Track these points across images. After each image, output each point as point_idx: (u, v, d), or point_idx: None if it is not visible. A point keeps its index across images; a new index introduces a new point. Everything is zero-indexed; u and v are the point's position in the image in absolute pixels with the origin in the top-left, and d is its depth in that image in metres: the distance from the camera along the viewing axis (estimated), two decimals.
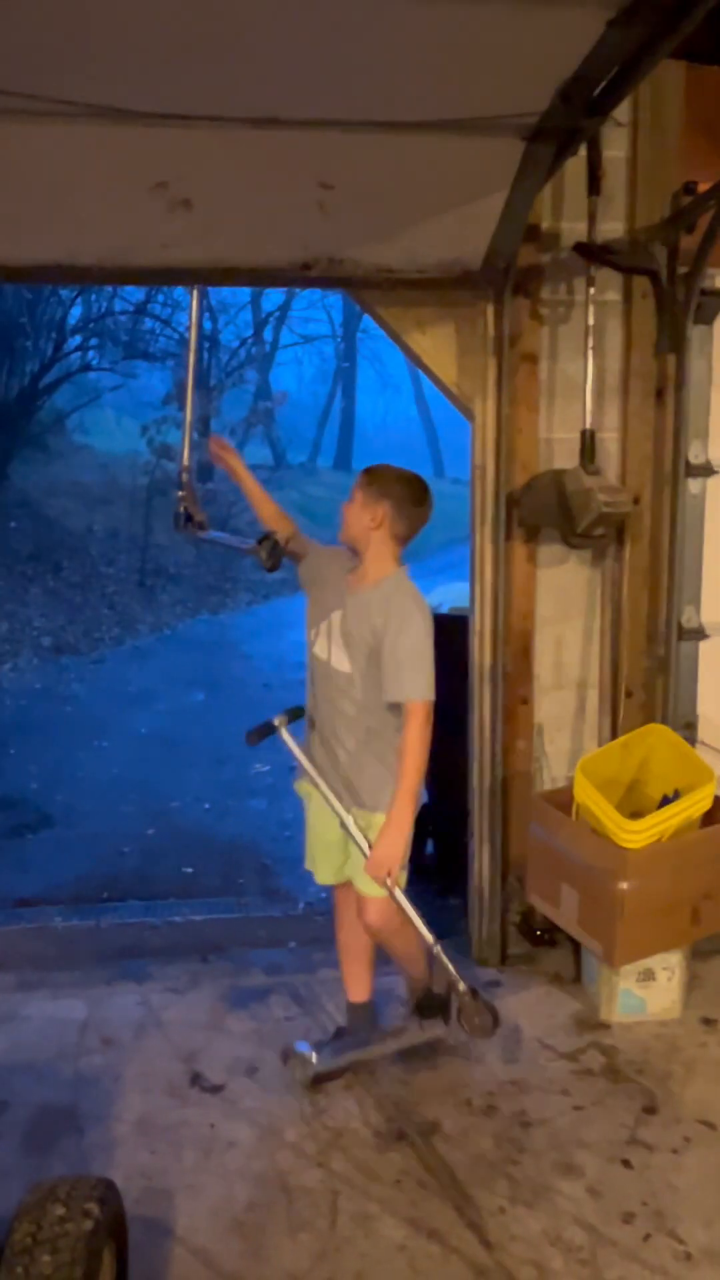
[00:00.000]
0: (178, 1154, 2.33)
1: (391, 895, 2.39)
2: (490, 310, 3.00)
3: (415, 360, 3.13)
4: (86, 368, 13.02)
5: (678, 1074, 2.63)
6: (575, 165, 2.84)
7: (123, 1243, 1.83)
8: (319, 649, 2.51)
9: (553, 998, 3.01)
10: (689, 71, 2.93)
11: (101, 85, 1.91)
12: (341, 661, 2.44)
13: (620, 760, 2.86)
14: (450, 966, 2.40)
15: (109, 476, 13.17)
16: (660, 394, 3.10)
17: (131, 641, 8.95)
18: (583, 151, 2.76)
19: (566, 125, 2.17)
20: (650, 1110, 2.48)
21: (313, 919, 3.62)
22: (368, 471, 2.48)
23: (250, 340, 15.06)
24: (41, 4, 1.63)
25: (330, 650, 2.47)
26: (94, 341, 12.32)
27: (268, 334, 16.75)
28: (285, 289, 14.80)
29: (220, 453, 2.86)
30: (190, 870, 4.19)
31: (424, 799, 4.19)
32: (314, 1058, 2.56)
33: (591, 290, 2.91)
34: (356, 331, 20.11)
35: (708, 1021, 2.88)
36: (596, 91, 2.02)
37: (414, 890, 3.97)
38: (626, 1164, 2.28)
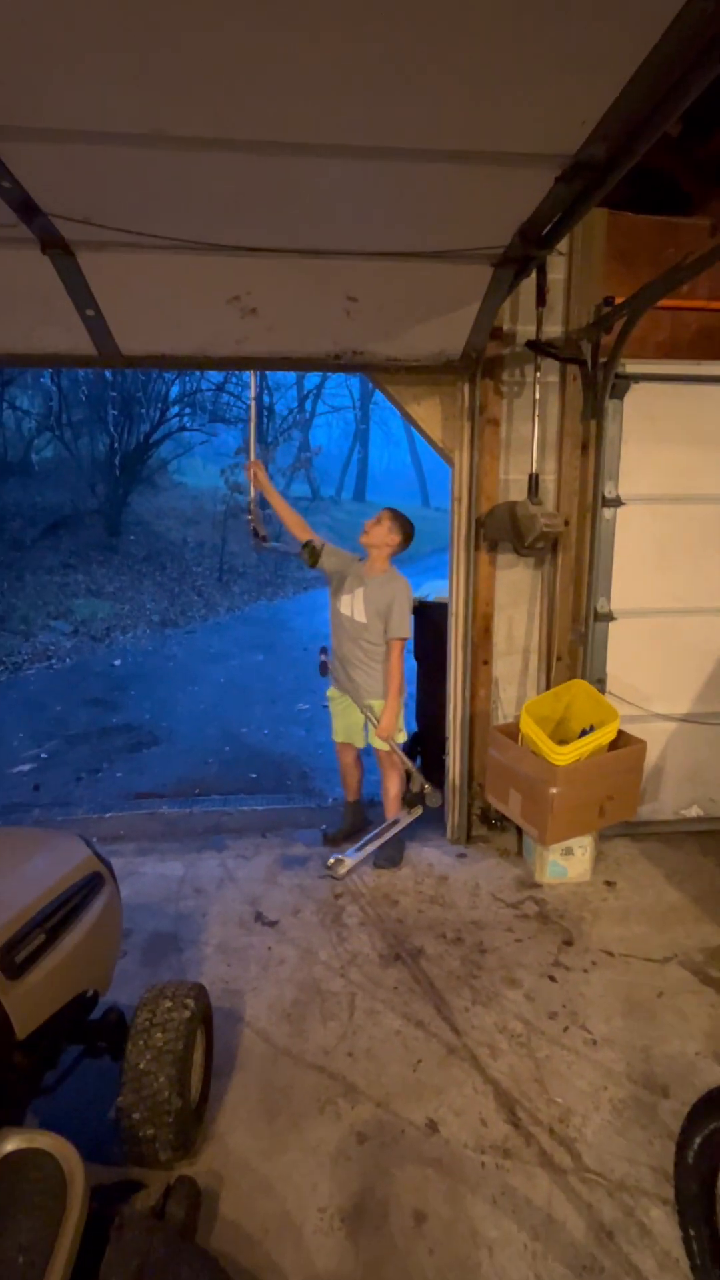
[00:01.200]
0: (245, 967, 2.36)
1: (393, 748, 2.96)
2: (466, 388, 2.93)
3: (412, 423, 3.07)
4: (183, 428, 12.88)
5: (587, 918, 2.63)
6: (527, 285, 2.75)
7: (210, 1026, 1.86)
8: (345, 609, 2.96)
9: (502, 866, 3.02)
10: (610, 216, 2.83)
11: (194, 225, 1.86)
12: (362, 616, 2.91)
13: (552, 704, 2.84)
14: (419, 775, 3.05)
15: (198, 505, 13.06)
16: (585, 448, 3.03)
17: (213, 619, 8.92)
18: (533, 275, 2.69)
19: (523, 255, 2.09)
20: (568, 943, 2.48)
21: (337, 809, 3.63)
22: (395, 514, 2.98)
23: (295, 410, 14.84)
24: (151, 168, 1.59)
25: (354, 610, 2.93)
26: (188, 410, 12.17)
27: (308, 405, 16.51)
28: (320, 373, 14.65)
29: (255, 471, 3.15)
30: (254, 775, 4.21)
31: (414, 729, 4.21)
32: (346, 859, 2.85)
33: (537, 374, 2.85)
34: (369, 404, 19.82)
35: (609, 884, 2.88)
36: (545, 230, 1.95)
37: (407, 794, 4.02)
38: (552, 979, 2.29)
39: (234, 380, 12.16)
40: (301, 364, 2.73)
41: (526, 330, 2.88)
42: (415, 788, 3.06)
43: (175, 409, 11.37)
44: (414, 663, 4.09)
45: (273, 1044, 2.03)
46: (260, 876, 2.95)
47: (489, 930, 2.56)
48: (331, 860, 2.87)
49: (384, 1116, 1.79)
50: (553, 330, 2.90)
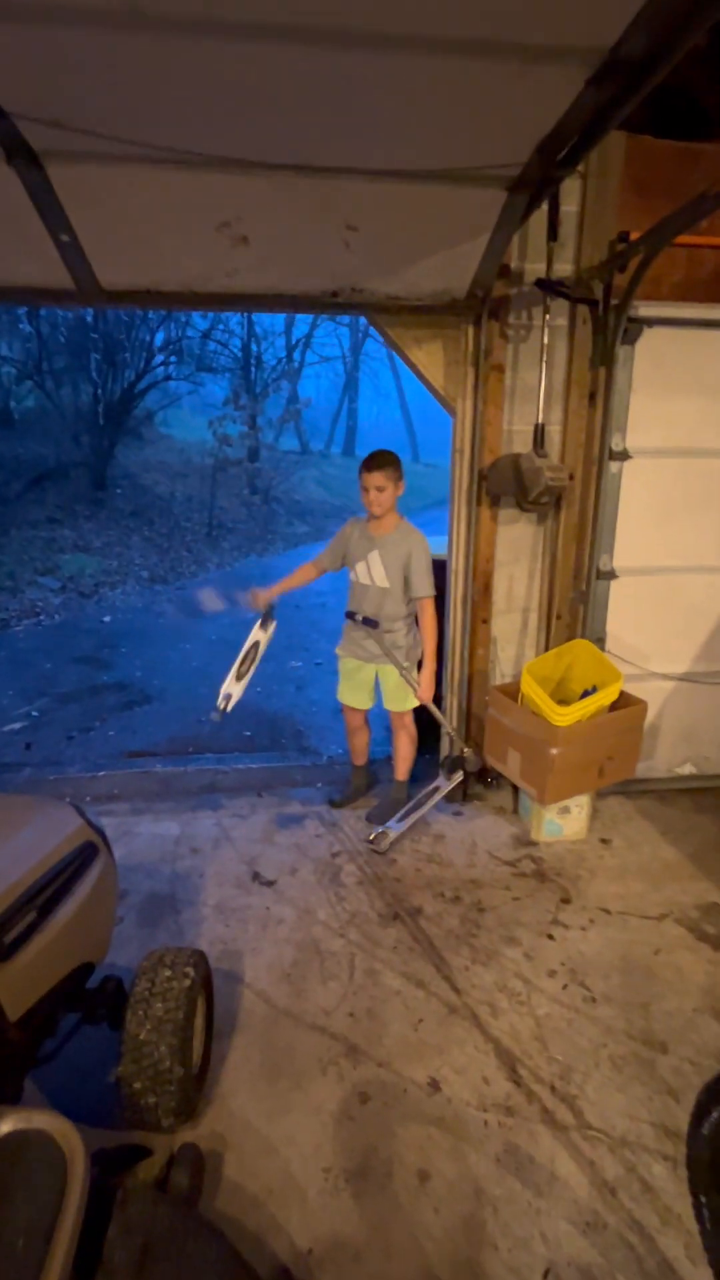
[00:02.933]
0: (244, 927, 2.32)
1: (433, 712, 2.83)
2: (470, 331, 2.73)
3: (414, 369, 2.88)
4: (168, 378, 12.34)
5: (584, 876, 2.61)
6: (538, 218, 2.55)
7: (210, 991, 1.81)
8: (364, 579, 2.76)
9: (498, 824, 2.99)
10: (629, 140, 2.59)
11: (177, 131, 1.64)
12: (384, 581, 2.71)
13: (554, 664, 2.76)
14: (459, 739, 2.94)
15: (185, 458, 12.63)
16: (593, 397, 2.86)
17: (203, 575, 8.71)
18: (545, 207, 2.48)
19: (540, 177, 1.89)
20: (566, 901, 2.46)
21: (333, 767, 3.58)
22: (392, 462, 2.61)
23: (284, 360, 14.25)
24: (127, 58, 1.37)
25: (373, 576, 2.72)
26: (173, 359, 11.63)
27: (297, 355, 15.86)
28: (312, 316, 14.02)
29: (260, 601, 2.85)
30: (249, 733, 4.13)
31: None
32: (390, 831, 2.74)
33: (547, 316, 2.65)
34: (360, 355, 19.12)
35: (604, 841, 2.86)
36: (566, 149, 1.75)
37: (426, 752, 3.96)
38: (550, 937, 2.28)
39: (220, 325, 11.60)
40: (297, 303, 2.52)
41: (535, 269, 2.67)
42: (456, 751, 2.95)
43: (160, 357, 10.83)
44: None
45: (273, 1005, 1.99)
46: (257, 836, 2.89)
47: (487, 889, 2.53)
48: (374, 835, 2.74)
49: (386, 1076, 1.77)
50: (564, 269, 2.70)
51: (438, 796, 2.90)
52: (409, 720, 2.96)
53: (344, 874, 2.64)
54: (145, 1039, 1.49)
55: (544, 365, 2.71)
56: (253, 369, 12.77)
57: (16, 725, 4.19)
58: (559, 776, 2.52)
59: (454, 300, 2.56)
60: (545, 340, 2.67)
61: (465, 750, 2.93)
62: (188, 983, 1.59)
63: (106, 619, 6.62)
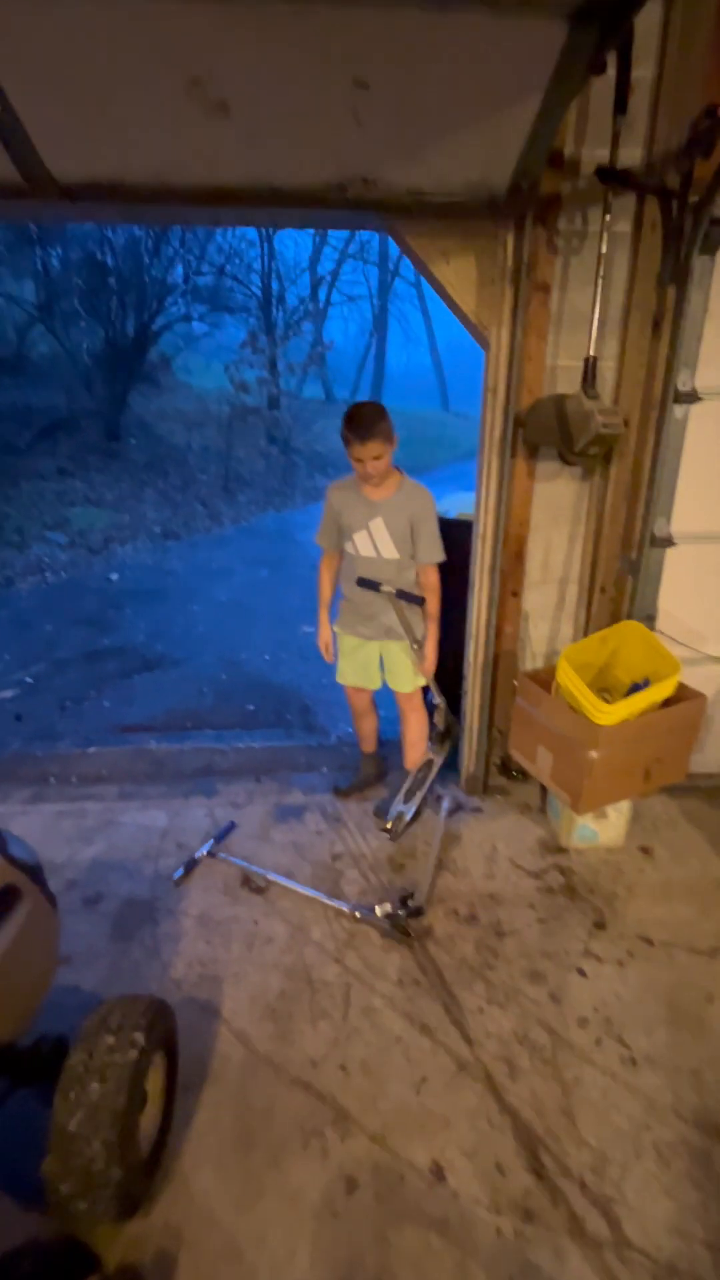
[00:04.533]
0: (228, 946, 2.02)
1: (430, 683, 2.45)
2: (510, 240, 2.21)
3: (439, 289, 2.37)
4: (185, 318, 11.66)
5: (621, 895, 2.25)
6: (599, 89, 2.02)
7: (173, 1047, 1.50)
8: (365, 550, 2.35)
9: (522, 825, 2.63)
10: None
11: None
12: (392, 551, 2.33)
13: (597, 649, 2.33)
14: (445, 710, 2.50)
15: (203, 406, 12.04)
16: (657, 325, 2.33)
17: (217, 530, 8.30)
18: (609, 73, 1.93)
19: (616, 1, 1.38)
20: (600, 926, 2.11)
21: (341, 749, 3.25)
22: (383, 424, 2.15)
23: (307, 299, 13.38)
24: None
25: (377, 547, 2.33)
26: (188, 298, 10.92)
27: (321, 295, 14.91)
28: (332, 242, 13.04)
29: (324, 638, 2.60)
30: (251, 707, 3.81)
31: None
32: (405, 814, 2.36)
33: (606, 219, 2.12)
34: (388, 296, 17.99)
35: (645, 850, 2.48)
36: None
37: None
38: (581, 973, 1.93)
39: (236, 259, 10.80)
40: (295, 200, 2.03)
41: (596, 157, 2.12)
42: (441, 723, 2.55)
43: (174, 296, 10.15)
44: None
45: (253, 1050, 1.70)
46: (252, 831, 2.58)
47: (507, 907, 2.19)
48: (389, 823, 2.34)
49: (380, 1155, 1.46)
50: (632, 155, 2.14)
51: (433, 771, 2.51)
52: (418, 701, 2.61)
53: (345, 881, 2.32)
54: (76, 1131, 1.19)
55: (599, 283, 2.19)
56: (274, 309, 11.99)
57: (9, 693, 3.92)
58: (597, 782, 2.13)
59: (492, 197, 2.05)
60: (603, 249, 2.14)
61: (451, 720, 2.53)
62: (134, 1054, 1.28)
63: (114, 577, 6.29)
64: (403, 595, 2.23)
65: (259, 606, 5.56)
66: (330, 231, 14.04)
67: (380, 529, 2.29)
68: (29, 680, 4.11)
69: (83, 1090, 1.22)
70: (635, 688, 2.15)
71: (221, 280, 11.17)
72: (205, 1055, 1.67)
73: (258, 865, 2.36)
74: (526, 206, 2.10)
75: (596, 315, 2.21)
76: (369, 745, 2.87)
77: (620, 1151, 1.47)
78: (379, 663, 2.55)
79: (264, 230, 11.77)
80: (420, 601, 2.27)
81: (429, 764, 2.52)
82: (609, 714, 2.05)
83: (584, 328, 2.30)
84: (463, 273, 2.28)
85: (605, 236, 2.14)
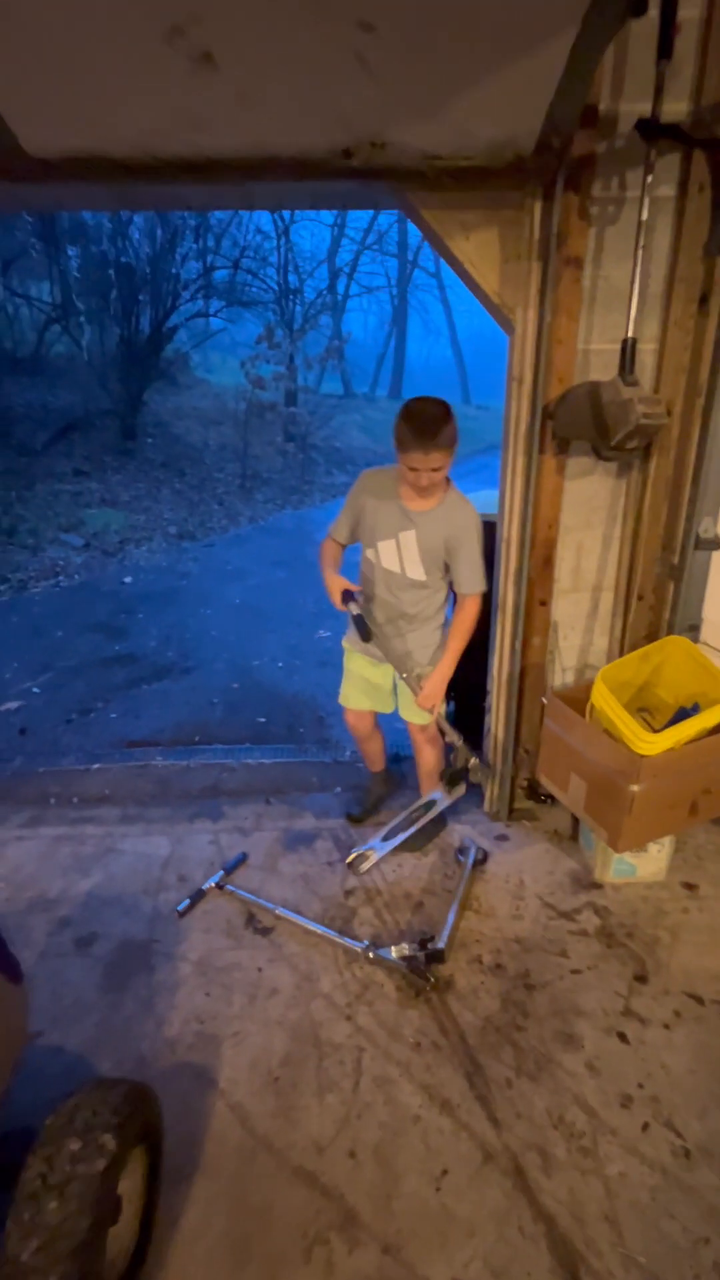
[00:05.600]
0: (228, 998, 1.83)
1: (438, 720, 2.21)
2: (538, 209, 1.97)
3: (458, 269, 2.14)
4: (201, 314, 11.49)
5: (664, 940, 2.01)
6: (638, 34, 1.77)
7: (155, 1137, 1.31)
8: (387, 561, 2.05)
9: (552, 855, 2.40)
10: None
11: None
12: (417, 572, 2.03)
13: (637, 667, 2.08)
14: (466, 749, 2.25)
15: (221, 403, 11.88)
16: (704, 301, 2.07)
17: (234, 530, 8.13)
18: (651, 14, 1.67)
19: None
20: (641, 979, 1.88)
21: (355, 766, 3.04)
22: (451, 430, 1.81)
23: (324, 292, 13.12)
24: None
25: (402, 561, 2.03)
26: (201, 294, 10.73)
27: (340, 288, 14.63)
28: (330, 210, 12.73)
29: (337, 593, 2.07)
30: (263, 720, 3.62)
31: None
32: (372, 852, 2.12)
33: (648, 180, 1.86)
34: (407, 286, 17.63)
35: (689, 886, 2.24)
36: None
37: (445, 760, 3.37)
38: (622, 1038, 1.70)
39: (250, 254, 10.57)
40: (297, 169, 1.80)
41: (635, 112, 1.86)
42: (460, 763, 2.28)
43: (188, 293, 9.97)
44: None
45: (251, 1130, 1.50)
46: (259, 861, 2.39)
47: (537, 954, 1.97)
48: (353, 855, 2.13)
49: (394, 1272, 1.26)
50: (677, 108, 1.88)
51: (430, 815, 2.27)
52: (434, 732, 2.37)
53: (358, 920, 2.11)
54: (30, 1264, 1.00)
55: (639, 255, 1.93)
56: (291, 302, 11.76)
57: (14, 705, 3.79)
58: (638, 818, 1.89)
59: (518, 159, 1.80)
60: (644, 216, 1.89)
61: (472, 761, 2.26)
62: (102, 1163, 1.08)
63: (127, 580, 6.15)
64: (350, 596, 2.03)
65: (274, 609, 5.37)
66: (349, 222, 13.78)
67: (411, 544, 1.97)
68: (36, 690, 3.97)
69: (39, 1212, 1.03)
70: (682, 713, 1.91)
71: (238, 275, 10.97)
72: (198, 1136, 1.48)
73: (265, 899, 2.17)
74: (556, 169, 1.85)
75: (636, 292, 1.96)
76: (377, 765, 2.66)
77: (677, 1272, 1.24)
78: (394, 686, 2.31)
79: (279, 221, 11.55)
80: (352, 597, 2.04)
81: (429, 803, 2.29)
82: (652, 743, 1.81)
83: (621, 306, 2.06)
84: (485, 248, 2.04)
85: (646, 201, 1.88)
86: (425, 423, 1.74)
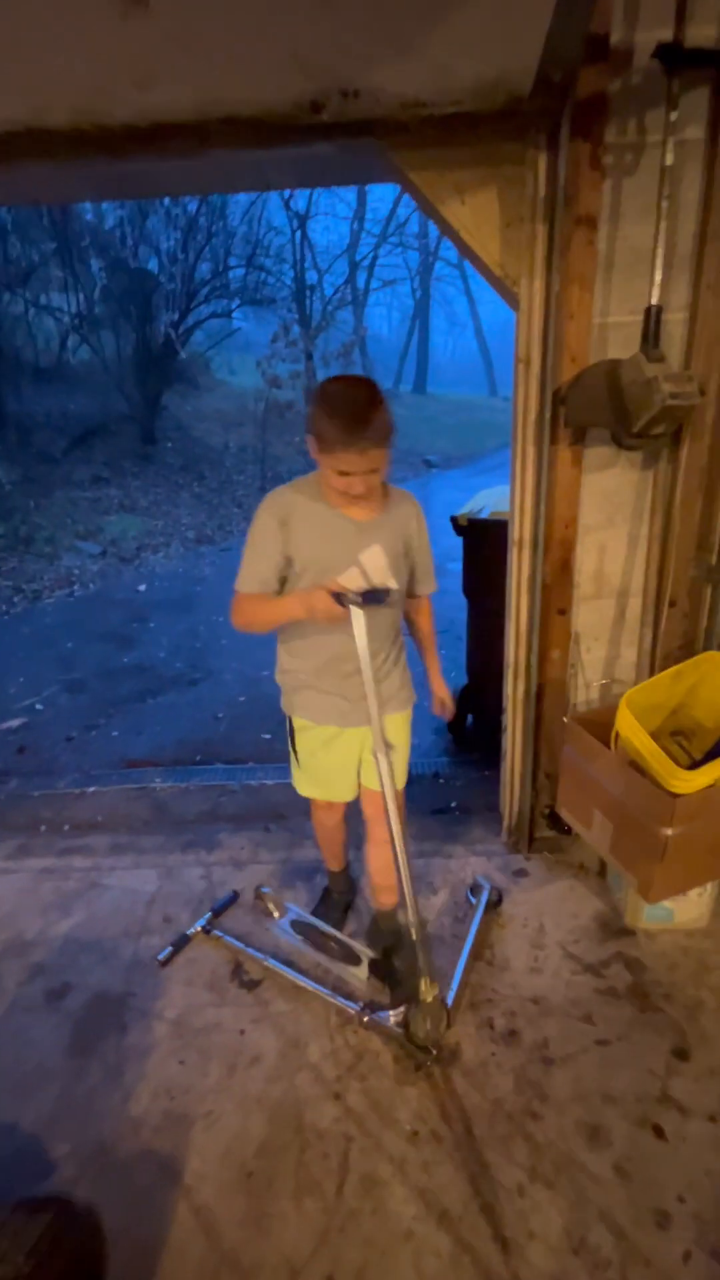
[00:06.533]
0: (205, 1067, 1.63)
1: (390, 821, 1.53)
2: (541, 162, 1.71)
3: (454, 238, 1.89)
4: (224, 315, 11.37)
5: (709, 1005, 1.73)
6: None
7: (95, 1268, 1.12)
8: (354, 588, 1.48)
9: (577, 894, 2.14)
10: None
11: None
12: (393, 583, 1.50)
13: (669, 689, 1.81)
14: (410, 908, 1.55)
15: (241, 405, 11.76)
16: None
17: None
18: None
19: None
20: (681, 1055, 1.61)
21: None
22: (381, 403, 1.33)
23: (343, 287, 12.88)
24: None
25: (373, 581, 1.50)
26: (218, 294, 10.61)
27: (360, 282, 14.37)
28: (369, 227, 12.45)
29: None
30: (268, 736, 3.42)
31: (464, 681, 3.26)
32: (281, 917, 1.94)
33: (672, 117, 1.58)
34: (430, 277, 17.26)
35: None
36: None
37: (456, 760, 3.14)
38: (659, 1133, 1.44)
39: (263, 250, 10.36)
40: (259, 131, 1.59)
41: (651, 40, 1.58)
42: (401, 922, 1.81)
43: (203, 293, 9.86)
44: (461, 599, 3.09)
45: (217, 1241, 1.29)
46: (252, 900, 2.19)
47: (558, 1018, 1.71)
48: (269, 900, 1.91)
49: None
50: (704, 35, 1.60)
51: (337, 969, 1.82)
52: (402, 800, 1.85)
53: (355, 973, 1.89)
54: None
55: (663, 210, 1.65)
56: (309, 299, 11.56)
57: (16, 723, 3.68)
58: (673, 865, 1.62)
59: (513, 101, 1.55)
60: (667, 162, 1.61)
61: (424, 995, 1.57)
62: None
63: (141, 587, 6.05)
64: (371, 597, 1.39)
65: None
66: (368, 213, 13.48)
67: (377, 559, 1.46)
68: (39, 706, 3.86)
69: None
70: None
71: (254, 274, 10.81)
72: (154, 1246, 1.28)
73: (254, 946, 1.96)
74: (560, 112, 1.59)
75: (660, 253, 1.68)
76: (339, 863, 2.11)
77: None
78: (359, 764, 1.76)
79: (294, 219, 11.35)
80: (381, 598, 1.41)
81: (350, 956, 1.82)
82: (688, 780, 1.54)
83: (643, 271, 1.78)
84: (482, 211, 1.79)
85: (669, 147, 1.60)
86: (357, 412, 1.28)
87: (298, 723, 1.72)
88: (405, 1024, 1.63)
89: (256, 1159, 1.42)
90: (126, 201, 8.66)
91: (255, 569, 1.52)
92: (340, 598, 1.39)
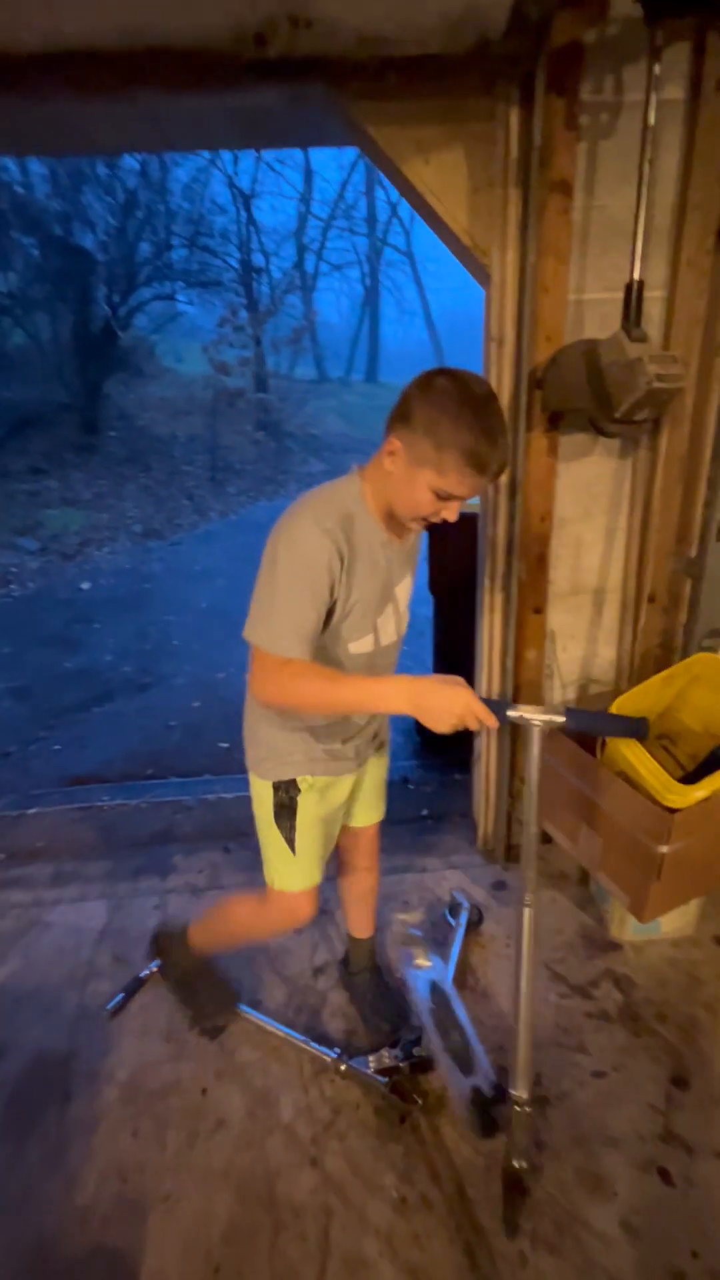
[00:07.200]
0: (161, 1138, 1.44)
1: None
2: (514, 118, 1.55)
3: (418, 204, 1.72)
4: (168, 297, 10.87)
5: (704, 1022, 1.64)
6: None
7: None
8: (389, 637, 1.25)
9: (559, 906, 2.03)
10: None
11: None
12: (401, 629, 1.29)
13: (659, 692, 1.69)
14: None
15: (189, 393, 11.33)
16: None
17: (204, 526, 7.67)
18: None
19: None
20: (681, 1082, 1.50)
21: None
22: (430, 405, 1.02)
23: (292, 270, 12.53)
24: None
25: (399, 626, 1.28)
26: (161, 275, 10.14)
27: (309, 266, 14.03)
28: (314, 216, 12.12)
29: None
30: (226, 745, 3.21)
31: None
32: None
33: (655, 71, 1.44)
34: (379, 262, 17.03)
35: None
36: None
37: (425, 764, 3.01)
38: (665, 1177, 1.33)
39: (204, 228, 9.94)
40: (195, 67, 1.37)
41: None
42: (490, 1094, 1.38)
43: (144, 274, 9.40)
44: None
45: None
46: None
47: (549, 1051, 1.59)
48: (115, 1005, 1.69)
49: None
50: None
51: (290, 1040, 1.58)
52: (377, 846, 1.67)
53: (328, 1009, 1.73)
54: None
55: (644, 176, 1.52)
56: (256, 282, 11.19)
57: None
58: (668, 882, 1.52)
59: (484, 43, 1.38)
60: (651, 120, 1.47)
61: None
62: None
63: (85, 586, 5.71)
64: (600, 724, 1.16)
65: (243, 613, 4.93)
66: (314, 193, 13.11)
67: (405, 595, 1.27)
68: None
69: None
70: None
71: (198, 255, 10.37)
72: None
73: None
74: (534, 60, 1.43)
75: (641, 223, 1.55)
76: (367, 930, 1.74)
77: None
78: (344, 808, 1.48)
79: (237, 195, 10.93)
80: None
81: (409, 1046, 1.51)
82: (684, 795, 1.43)
83: (620, 244, 1.65)
84: (448, 173, 1.62)
85: (652, 107, 1.46)
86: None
87: (303, 784, 1.29)
88: (387, 1070, 1.48)
89: (224, 1246, 1.25)
90: (55, 164, 8.06)
91: (301, 619, 1.04)
92: (501, 708, 1.00)
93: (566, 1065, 1.55)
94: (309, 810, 1.31)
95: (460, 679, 0.99)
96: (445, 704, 0.96)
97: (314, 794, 1.31)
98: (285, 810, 1.31)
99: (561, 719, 1.00)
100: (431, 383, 1.02)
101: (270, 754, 1.30)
